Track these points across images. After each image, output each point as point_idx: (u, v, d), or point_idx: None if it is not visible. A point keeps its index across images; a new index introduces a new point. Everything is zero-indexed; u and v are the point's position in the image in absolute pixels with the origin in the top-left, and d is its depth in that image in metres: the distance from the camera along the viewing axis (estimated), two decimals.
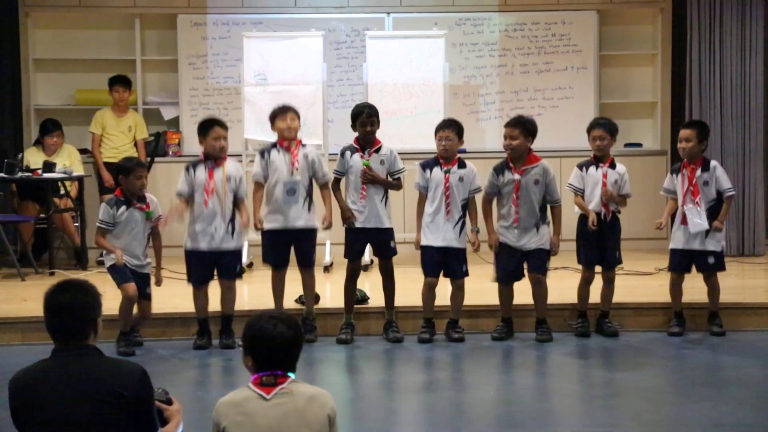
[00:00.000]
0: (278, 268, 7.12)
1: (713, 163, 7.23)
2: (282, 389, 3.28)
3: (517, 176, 7.00)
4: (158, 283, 7.06)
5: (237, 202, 7.02)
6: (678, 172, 7.18)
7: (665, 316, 7.35)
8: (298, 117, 7.15)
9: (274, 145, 7.12)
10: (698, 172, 7.09)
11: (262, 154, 7.10)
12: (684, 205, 7.10)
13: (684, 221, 7.11)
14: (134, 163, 6.98)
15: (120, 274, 6.82)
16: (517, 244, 7.04)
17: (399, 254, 7.28)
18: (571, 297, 7.36)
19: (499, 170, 7.10)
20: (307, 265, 7.14)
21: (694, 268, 7.25)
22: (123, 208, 6.83)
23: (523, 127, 7.01)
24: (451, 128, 7.07)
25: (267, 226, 7.07)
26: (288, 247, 7.11)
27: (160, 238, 7.07)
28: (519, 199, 6.99)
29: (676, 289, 7.24)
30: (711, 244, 7.13)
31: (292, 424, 3.25)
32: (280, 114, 7.08)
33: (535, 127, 7.09)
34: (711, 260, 7.15)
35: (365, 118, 7.11)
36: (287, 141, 7.06)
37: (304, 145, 7.15)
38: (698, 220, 7.06)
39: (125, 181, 6.86)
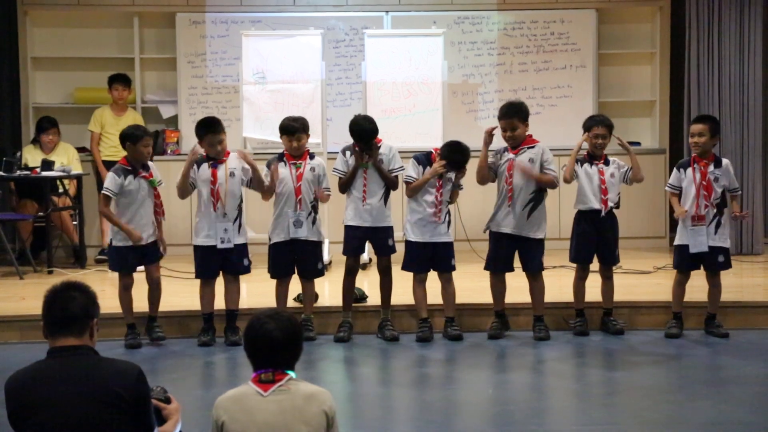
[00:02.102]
0: (281, 277, 7.15)
1: (725, 160, 7.18)
2: (280, 386, 3.30)
3: (512, 155, 7.04)
4: (164, 251, 7.11)
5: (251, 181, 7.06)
6: (686, 168, 7.10)
7: (664, 315, 7.32)
8: (307, 133, 7.11)
9: (281, 158, 7.12)
10: (711, 167, 7.05)
11: (268, 166, 7.09)
12: (696, 209, 7.00)
13: (694, 218, 7.04)
14: (142, 132, 7.01)
15: (120, 259, 6.92)
16: (511, 227, 7.02)
17: (396, 252, 7.29)
18: (569, 296, 7.35)
19: (498, 152, 7.14)
20: (309, 276, 7.16)
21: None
22: (130, 177, 6.88)
23: (519, 115, 7.04)
24: (463, 162, 7.04)
25: (273, 239, 7.11)
26: (292, 258, 7.12)
27: (161, 209, 7.09)
28: (512, 177, 7.01)
29: (680, 289, 7.18)
30: (721, 241, 7.09)
31: (289, 421, 3.27)
32: (288, 134, 7.04)
33: (528, 109, 7.14)
34: (721, 258, 7.10)
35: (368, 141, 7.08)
36: (295, 156, 7.07)
37: (312, 157, 7.16)
38: (702, 237, 7.01)
39: (132, 148, 6.89)
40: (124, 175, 6.87)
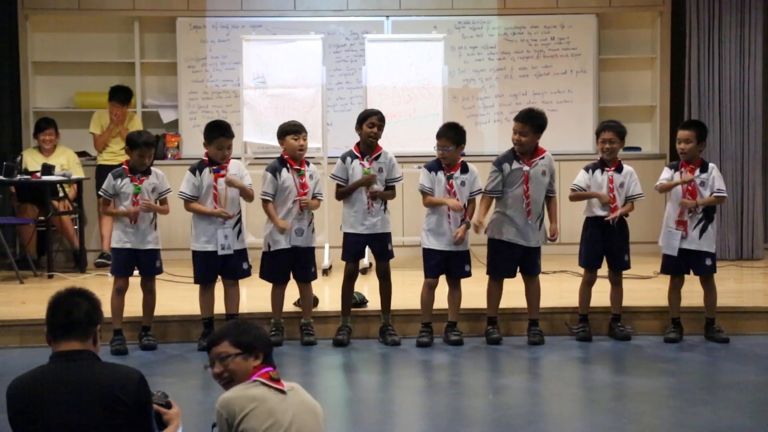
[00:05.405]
0: (279, 283, 7.14)
1: (711, 164, 7.21)
2: (288, 384, 3.49)
3: (526, 167, 6.99)
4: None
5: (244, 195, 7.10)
6: (675, 170, 7.12)
7: (663, 320, 7.34)
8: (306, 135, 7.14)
9: (282, 163, 7.10)
10: (696, 172, 7.07)
11: (273, 172, 7.05)
12: (680, 213, 7.06)
13: (679, 223, 7.08)
14: (143, 141, 6.98)
15: (118, 262, 6.96)
16: (522, 239, 7.02)
17: (397, 257, 7.31)
18: (570, 300, 7.36)
19: (504, 160, 7.04)
20: (306, 280, 7.16)
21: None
22: (127, 180, 6.94)
23: (533, 124, 6.96)
24: (446, 136, 7.02)
25: (273, 246, 7.08)
26: (290, 264, 7.11)
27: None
28: (529, 190, 6.99)
29: (675, 294, 7.20)
30: (705, 245, 7.10)
31: (307, 411, 3.43)
32: (294, 133, 7.02)
33: (545, 121, 7.04)
34: (708, 261, 7.13)
35: (376, 120, 7.09)
36: (297, 161, 7.06)
37: (308, 163, 7.18)
38: (674, 242, 7.06)
39: (131, 153, 6.98)
40: (120, 178, 6.95)
